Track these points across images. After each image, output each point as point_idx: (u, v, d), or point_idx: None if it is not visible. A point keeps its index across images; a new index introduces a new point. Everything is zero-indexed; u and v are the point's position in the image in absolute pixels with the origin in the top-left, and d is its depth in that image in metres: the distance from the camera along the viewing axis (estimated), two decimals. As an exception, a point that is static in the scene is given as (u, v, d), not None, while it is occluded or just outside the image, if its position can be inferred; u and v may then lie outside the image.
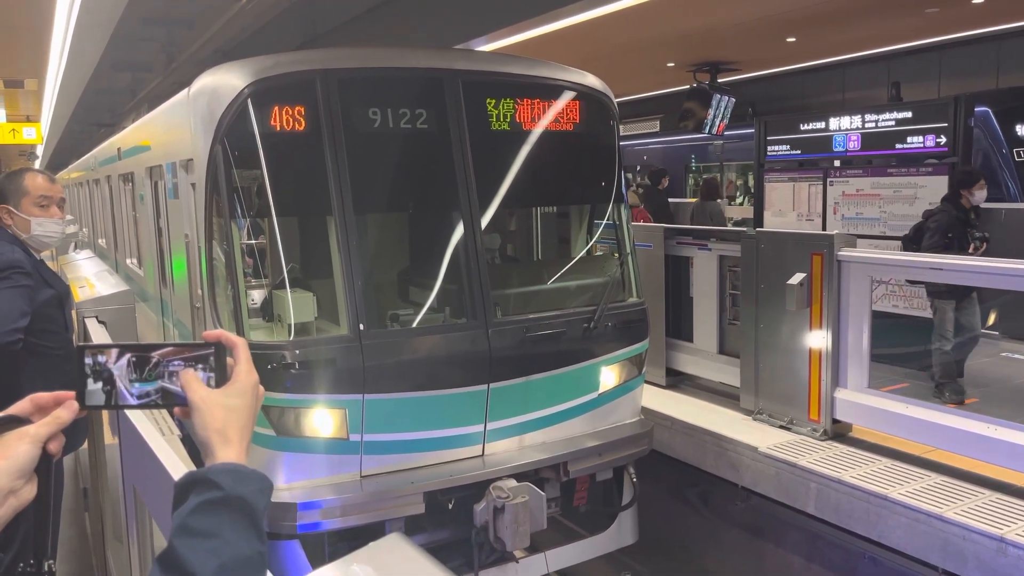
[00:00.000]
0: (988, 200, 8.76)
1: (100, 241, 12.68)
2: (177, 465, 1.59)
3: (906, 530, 4.64)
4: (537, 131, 5.22)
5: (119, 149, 9.45)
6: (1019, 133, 10.66)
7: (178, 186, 5.74)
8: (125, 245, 9.70)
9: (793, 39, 13.06)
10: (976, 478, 4.88)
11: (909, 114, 7.57)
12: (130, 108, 18.07)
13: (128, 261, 9.44)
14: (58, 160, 34.95)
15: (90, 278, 6.71)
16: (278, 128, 4.53)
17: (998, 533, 4.21)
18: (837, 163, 8.33)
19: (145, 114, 9.69)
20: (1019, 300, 7.99)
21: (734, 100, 14.39)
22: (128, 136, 9.06)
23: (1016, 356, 7.82)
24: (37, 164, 30.73)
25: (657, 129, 19.61)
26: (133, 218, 8.78)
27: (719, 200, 12.14)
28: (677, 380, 7.19)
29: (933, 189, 7.16)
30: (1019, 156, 10.55)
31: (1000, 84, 13.66)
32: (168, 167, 6.11)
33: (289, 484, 4.50)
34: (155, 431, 1.84)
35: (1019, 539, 4.12)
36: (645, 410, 5.80)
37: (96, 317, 3.96)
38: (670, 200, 12.88)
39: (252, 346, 4.37)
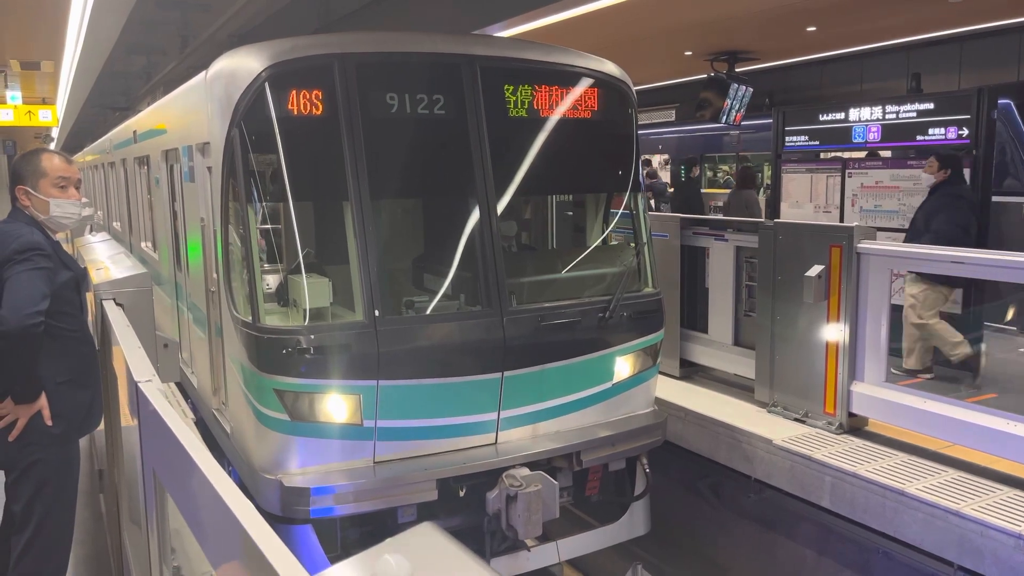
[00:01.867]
0: (1009, 195, 8.68)
1: (115, 224, 12.73)
2: (199, 448, 1.58)
3: (922, 525, 4.60)
4: (555, 118, 5.18)
5: (135, 132, 9.46)
6: (1041, 126, 10.51)
7: (194, 169, 5.74)
8: (140, 228, 9.73)
9: (813, 28, 12.91)
10: (994, 474, 4.83)
11: (931, 105, 7.46)
12: (144, 92, 18.11)
13: (143, 244, 9.47)
14: (73, 143, 35.08)
15: (104, 261, 6.73)
16: (295, 112, 4.51)
17: (1016, 530, 4.17)
18: (859, 155, 8.25)
19: (160, 98, 9.69)
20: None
21: (751, 90, 14.27)
22: (144, 119, 9.06)
23: (1035, 352, 7.74)
24: (52, 147, 30.84)
25: (673, 118, 19.49)
26: (148, 201, 8.80)
27: (754, 189, 12.10)
28: (691, 371, 7.15)
29: (954, 182, 7.07)
30: (1040, 149, 10.41)
31: (1022, 77, 13.48)
32: (184, 150, 6.10)
33: (303, 468, 4.51)
34: (176, 413, 1.83)
35: (1038, 537, 4.08)
36: (659, 401, 5.78)
37: (114, 299, 3.95)
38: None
39: (267, 330, 4.40)
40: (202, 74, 5.23)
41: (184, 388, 6.88)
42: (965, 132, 7.09)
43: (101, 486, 5.25)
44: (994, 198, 8.08)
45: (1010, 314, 8.29)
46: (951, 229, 6.40)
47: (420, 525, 4.05)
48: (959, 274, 6.32)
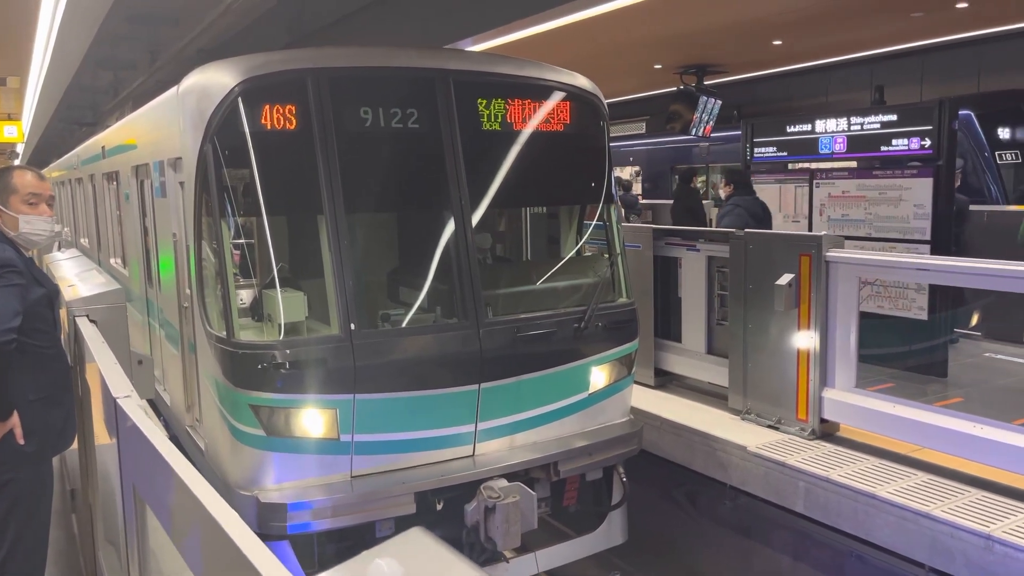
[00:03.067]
0: (971, 203, 8.88)
1: (82, 241, 12.57)
2: (182, 462, 1.58)
3: (894, 528, 4.68)
4: (528, 131, 5.23)
5: (103, 147, 9.37)
6: (1000, 136, 10.80)
7: (166, 185, 5.70)
8: (109, 244, 9.62)
9: (779, 42, 13.16)
10: (963, 476, 4.93)
11: (894, 117, 7.62)
12: (112, 107, 17.94)
13: (112, 261, 9.36)
14: (38, 159, 34.58)
15: (72, 278, 6.65)
16: (269, 127, 4.50)
17: (985, 530, 4.25)
18: (826, 165, 8.41)
19: (129, 113, 9.61)
20: (1001, 302, 8.10)
21: (720, 102, 14.49)
22: (113, 134, 8.98)
23: (999, 356, 7.91)
24: (17, 163, 30.38)
25: (644, 131, 19.69)
26: (117, 217, 8.71)
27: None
28: (666, 380, 7.21)
29: (918, 191, 7.23)
30: (1001, 159, 10.69)
31: (981, 88, 13.83)
32: (155, 165, 6.06)
33: (279, 484, 4.48)
34: (157, 428, 1.82)
35: (1006, 536, 4.17)
36: (634, 410, 5.82)
37: (87, 316, 3.92)
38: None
39: (242, 345, 4.37)
40: (174, 89, 5.21)
41: (156, 406, 6.80)
42: (927, 142, 7.26)
43: (73, 506, 5.17)
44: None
45: (975, 319, 8.48)
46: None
47: (410, 530, 4.05)
48: (923, 280, 6.46)
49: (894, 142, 7.60)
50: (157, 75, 13.24)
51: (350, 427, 4.52)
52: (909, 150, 7.45)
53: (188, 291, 5.12)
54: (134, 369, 4.01)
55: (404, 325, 4.81)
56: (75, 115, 21.79)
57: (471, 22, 9.38)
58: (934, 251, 7.01)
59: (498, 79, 5.22)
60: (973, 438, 4.80)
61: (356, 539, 4.69)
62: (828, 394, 5.65)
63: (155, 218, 6.35)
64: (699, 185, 12.40)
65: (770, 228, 8.13)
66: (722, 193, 8.38)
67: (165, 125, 5.58)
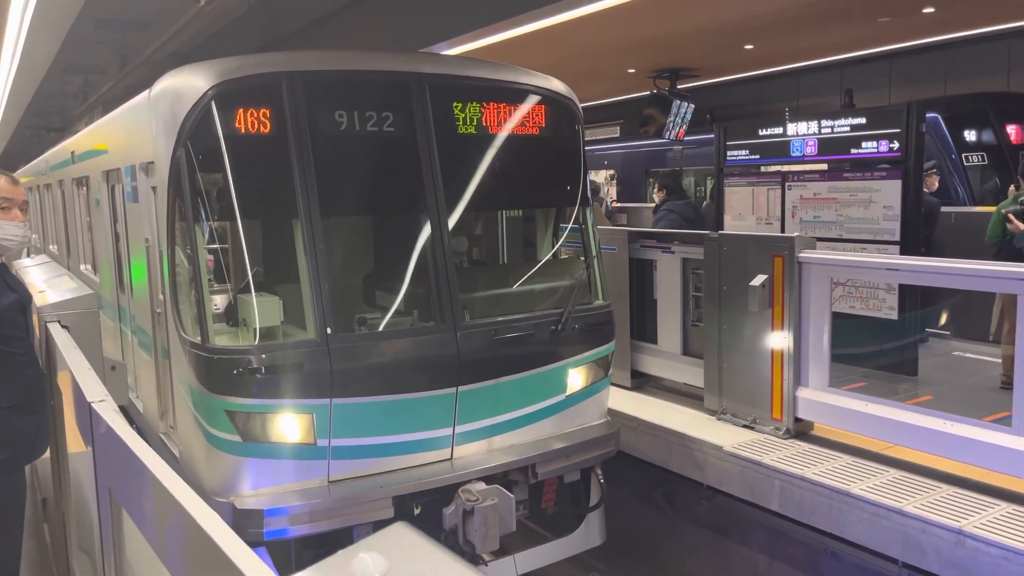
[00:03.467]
0: (943, 205, 9.04)
1: (52, 247, 12.39)
2: (160, 465, 1.57)
3: (867, 525, 4.74)
4: (503, 135, 5.25)
5: (73, 153, 9.26)
6: (967, 139, 11.00)
7: (138, 189, 5.64)
8: (79, 251, 9.49)
9: (751, 46, 13.31)
10: (934, 473, 5.01)
11: (863, 120, 7.74)
12: (81, 112, 17.72)
13: (82, 267, 9.24)
14: (6, 165, 33.99)
15: (41, 284, 6.54)
16: (243, 131, 4.48)
17: (956, 526, 4.33)
18: (798, 168, 8.51)
19: (98, 118, 9.50)
20: (968, 301, 8.25)
21: (693, 106, 14.61)
22: (83, 139, 8.87)
23: (967, 355, 8.05)
24: (-16, 169, 29.82)
25: (618, 134, 19.80)
26: (88, 223, 8.60)
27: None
28: (642, 382, 7.26)
29: (887, 193, 7.34)
30: (967, 161, 10.89)
31: (948, 91, 14.08)
32: (127, 170, 6.00)
33: (256, 490, 4.45)
34: (132, 431, 1.81)
35: (976, 531, 4.25)
36: (611, 411, 5.85)
37: (59, 321, 3.87)
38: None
39: (217, 351, 4.34)
40: (145, 92, 5.17)
41: (129, 413, 6.72)
42: (896, 145, 7.37)
43: (46, 515, 5.09)
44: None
45: (944, 319, 8.62)
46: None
47: (394, 525, 4.04)
48: (893, 280, 6.56)
49: (863, 145, 7.71)
50: (127, 79, 13.11)
51: (327, 432, 4.50)
52: (878, 152, 7.56)
53: (161, 297, 5.07)
54: (107, 375, 3.96)
55: (381, 329, 4.80)
56: (43, 121, 21.49)
57: (446, 26, 9.39)
58: (903, 251, 7.12)
59: (473, 83, 5.23)
60: (943, 435, 4.88)
61: (334, 544, 4.67)
62: (802, 393, 5.72)
63: (127, 223, 6.28)
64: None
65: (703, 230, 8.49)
66: (656, 198, 8.94)
67: (137, 129, 5.53)
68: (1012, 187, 8.09)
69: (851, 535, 4.86)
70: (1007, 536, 4.17)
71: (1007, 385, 5.72)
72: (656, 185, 9.30)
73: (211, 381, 4.37)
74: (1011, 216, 5.96)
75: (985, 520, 4.36)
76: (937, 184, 9.06)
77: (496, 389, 4.97)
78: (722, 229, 8.49)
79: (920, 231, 7.69)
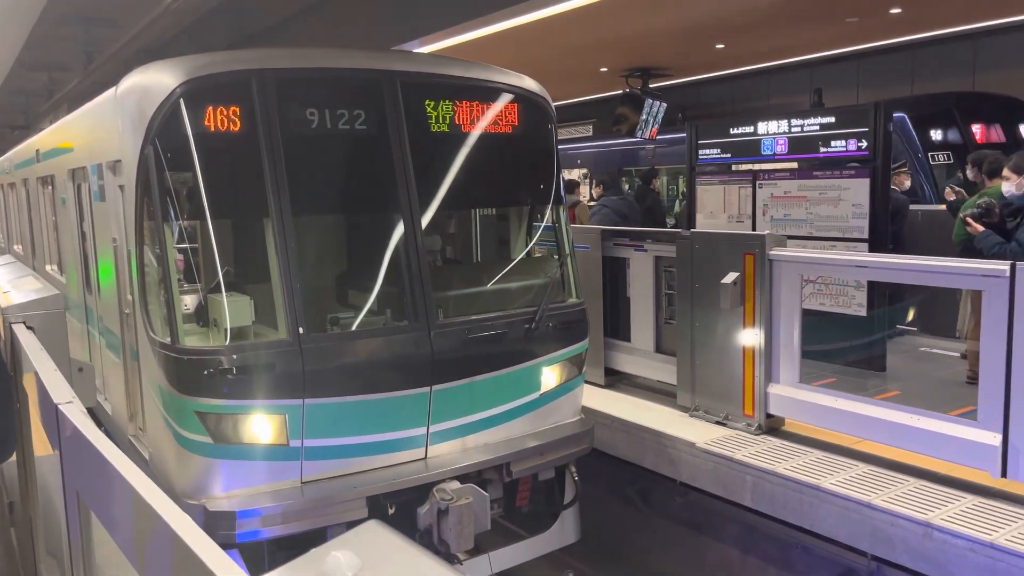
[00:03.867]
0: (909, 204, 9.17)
1: (16, 247, 12.16)
2: (128, 466, 1.55)
3: (837, 518, 4.81)
4: (476, 133, 5.24)
5: (38, 151, 9.10)
6: (933, 138, 11.17)
7: (104, 188, 5.56)
8: (44, 251, 9.33)
9: (722, 46, 13.42)
10: (902, 466, 5.09)
11: (832, 119, 7.83)
12: (46, 109, 17.42)
13: (48, 267, 9.08)
14: (-32, 164, 33.31)
15: (6, 285, 6.44)
16: (212, 129, 4.43)
17: (924, 518, 4.40)
18: (769, 166, 8.59)
19: (63, 115, 9.34)
20: (935, 298, 8.39)
21: (665, 105, 14.69)
22: (48, 137, 8.72)
23: (934, 351, 8.18)
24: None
25: (590, 133, 19.86)
26: (53, 223, 8.45)
27: None
28: (616, 379, 7.29)
29: (856, 191, 7.44)
30: (933, 160, 11.06)
31: (915, 91, 14.30)
32: (93, 169, 5.91)
33: (228, 492, 4.40)
34: (100, 433, 1.78)
35: (944, 523, 4.32)
36: (585, 409, 5.87)
37: (24, 322, 3.79)
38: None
39: (187, 351, 4.29)
40: (112, 90, 5.09)
41: (97, 415, 6.61)
42: (864, 144, 7.47)
43: (12, 519, 5.00)
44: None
45: (911, 315, 8.75)
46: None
47: (367, 523, 4.02)
48: (862, 277, 6.65)
49: (832, 143, 7.80)
50: (93, 76, 12.90)
51: (300, 432, 4.47)
52: (847, 151, 7.65)
53: (130, 297, 5.00)
54: (74, 376, 3.89)
55: (353, 328, 4.78)
56: (6, 119, 21.08)
57: (418, 24, 9.36)
58: (872, 249, 7.22)
59: (446, 81, 5.22)
60: (911, 429, 4.96)
61: (308, 545, 4.63)
62: (773, 390, 5.78)
63: (93, 223, 6.19)
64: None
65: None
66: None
67: (103, 127, 5.44)
68: (961, 174, 8.36)
69: (822, 529, 4.93)
70: (973, 528, 4.25)
71: (973, 380, 5.82)
72: (596, 181, 9.80)
73: (181, 382, 4.32)
74: (969, 220, 6.05)
75: (952, 512, 4.44)
76: (909, 182, 9.18)
77: (470, 388, 4.96)
78: (694, 227, 8.55)
79: (888, 229, 7.81)
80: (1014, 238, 5.70)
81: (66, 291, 7.64)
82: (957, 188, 8.30)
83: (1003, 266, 4.50)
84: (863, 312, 7.26)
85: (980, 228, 5.91)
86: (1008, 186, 6.02)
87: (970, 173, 8.57)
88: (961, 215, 6.21)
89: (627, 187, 13.83)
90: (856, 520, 4.71)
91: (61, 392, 2.25)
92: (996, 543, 4.09)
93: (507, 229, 6.23)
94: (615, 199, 9.44)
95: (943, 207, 8.93)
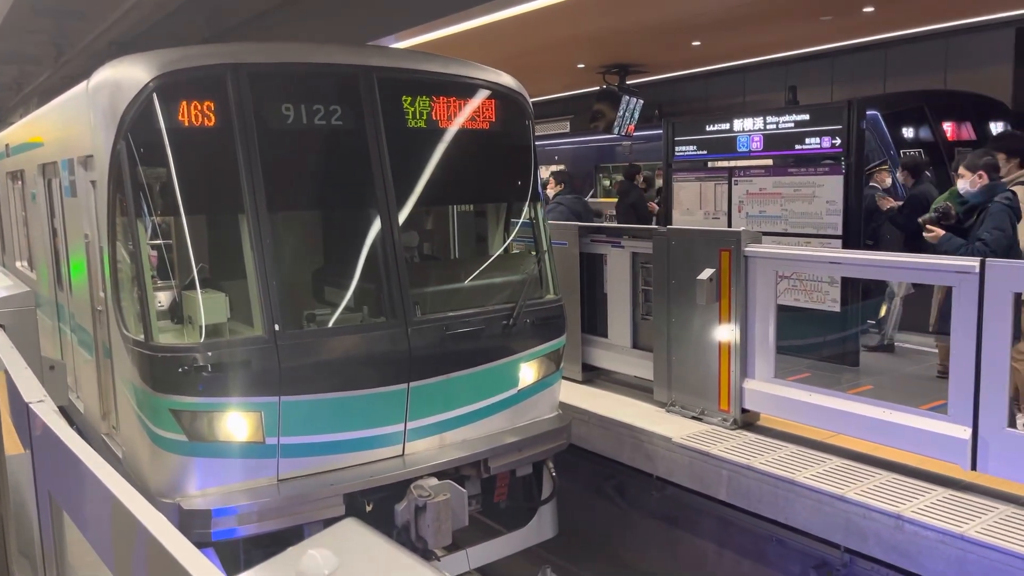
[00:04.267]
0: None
1: (-14, 243, 11.96)
2: (101, 465, 1.53)
3: (811, 511, 4.86)
4: (453, 129, 5.23)
5: (7, 145, 8.95)
6: (905, 136, 11.32)
7: (76, 184, 5.49)
8: (14, 247, 9.19)
9: (698, 43, 13.49)
10: (874, 460, 5.15)
11: (807, 116, 7.91)
12: (16, 103, 17.14)
13: (18, 264, 8.95)
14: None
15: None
16: (186, 124, 4.38)
17: (895, 511, 4.46)
18: (745, 163, 8.66)
19: (33, 109, 9.20)
20: (909, 294, 8.50)
21: (642, 102, 14.75)
22: (17, 132, 8.58)
23: (906, 345, 8.30)
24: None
25: (568, 130, 19.90)
26: (23, 218, 8.33)
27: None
28: (593, 375, 7.31)
29: (830, 188, 7.52)
30: (905, 156, 11.19)
31: (887, 89, 14.48)
32: (64, 164, 5.83)
33: (203, 490, 4.37)
34: (72, 432, 1.76)
35: (915, 516, 4.38)
36: (563, 405, 5.88)
37: (-7, 320, 3.74)
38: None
39: (162, 349, 4.24)
40: (84, 84, 5.02)
41: (69, 413, 6.53)
42: (838, 141, 7.55)
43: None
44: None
45: (883, 311, 8.86)
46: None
47: (343, 521, 4.01)
48: (836, 273, 6.73)
49: (807, 140, 7.88)
50: (64, 70, 12.72)
51: (276, 430, 4.44)
52: (821, 148, 7.74)
53: (102, 294, 4.94)
54: (45, 375, 3.84)
55: (330, 325, 4.75)
56: (-25, 112, 20.69)
57: (395, 19, 9.32)
58: (845, 245, 7.30)
59: (423, 76, 5.20)
60: (883, 423, 5.03)
61: (284, 544, 4.61)
62: (748, 385, 5.83)
63: (65, 218, 6.10)
64: (640, 182, 12.63)
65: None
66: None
67: (75, 121, 5.36)
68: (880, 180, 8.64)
69: (796, 522, 4.98)
70: (943, 520, 4.32)
71: (943, 374, 5.91)
72: (552, 179, 9.90)
73: (155, 380, 4.28)
74: (929, 226, 6.12)
75: (922, 505, 4.51)
76: (889, 180, 9.28)
77: (448, 384, 4.96)
78: (670, 224, 8.60)
79: (865, 225, 7.96)
80: (976, 237, 5.78)
81: (37, 288, 7.53)
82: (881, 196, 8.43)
83: (973, 262, 4.57)
84: (837, 308, 7.35)
85: (941, 232, 5.99)
86: (963, 183, 6.10)
87: (900, 176, 8.84)
88: (920, 220, 6.28)
89: (607, 183, 13.85)
90: (829, 513, 4.76)
91: (32, 390, 2.22)
92: (966, 535, 4.16)
93: (485, 225, 6.22)
94: (570, 197, 9.63)
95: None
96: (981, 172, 6.03)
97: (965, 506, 4.48)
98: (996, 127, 11.68)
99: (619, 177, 13.98)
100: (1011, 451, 4.48)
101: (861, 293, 7.66)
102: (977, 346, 4.54)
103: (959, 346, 4.66)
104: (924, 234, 6.05)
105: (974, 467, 4.63)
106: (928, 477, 4.87)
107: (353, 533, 3.49)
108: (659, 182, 12.57)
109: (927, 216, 6.24)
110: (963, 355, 4.63)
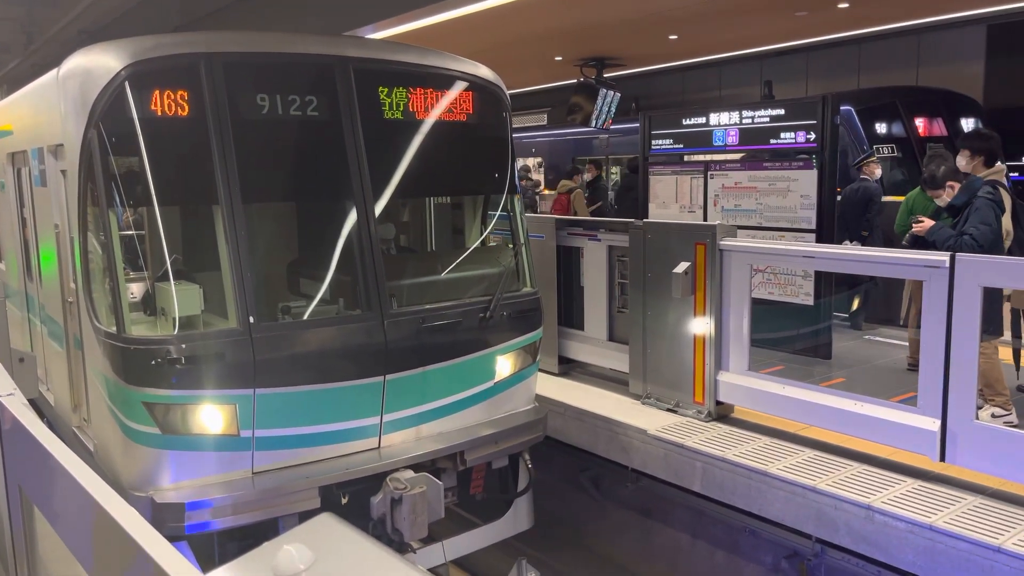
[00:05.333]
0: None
1: (-47, 233, 11.73)
2: (72, 459, 1.51)
3: (784, 503, 4.92)
4: (430, 120, 5.21)
5: (-25, 134, 8.77)
6: (878, 131, 11.44)
7: (46, 173, 5.40)
8: (-17, 237, 9.02)
9: (675, 37, 13.54)
10: (846, 451, 5.23)
11: (782, 111, 7.97)
12: (-16, 90, 16.78)
13: (-13, 255, 8.79)
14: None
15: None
16: (159, 113, 4.32)
17: (865, 502, 4.53)
18: (720, 157, 8.70)
19: (2, 97, 9.03)
20: (879, 287, 8.62)
21: (619, 95, 14.77)
22: (-15, 120, 8.41)
23: (876, 339, 8.41)
24: None
25: (545, 122, 19.89)
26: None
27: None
28: (569, 368, 7.34)
29: (805, 182, 7.59)
30: (878, 153, 11.32)
31: (861, 84, 14.62)
32: (34, 153, 5.74)
33: (176, 483, 4.33)
34: (43, 426, 1.73)
35: (885, 506, 4.46)
36: (539, 397, 5.90)
37: (-39, 312, 3.67)
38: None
39: (134, 341, 4.19)
40: (54, 72, 4.93)
41: (39, 406, 6.44)
42: (812, 136, 7.62)
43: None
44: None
45: (855, 304, 8.97)
46: None
47: (319, 516, 3.99)
48: (809, 267, 6.80)
49: (782, 135, 7.94)
50: (34, 57, 12.50)
51: (251, 422, 4.41)
52: (796, 143, 7.80)
53: (73, 285, 4.87)
54: (15, 367, 3.78)
55: (305, 317, 4.72)
56: (-59, 99, 20.28)
57: (372, 10, 9.25)
58: (819, 239, 7.38)
59: (400, 67, 5.17)
60: (854, 415, 5.10)
61: (259, 537, 4.58)
62: (723, 377, 5.89)
63: (34, 208, 6.01)
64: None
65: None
66: (588, 176, 9.72)
67: (44, 110, 5.28)
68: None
69: (769, 513, 5.04)
70: (913, 511, 4.39)
71: (913, 367, 6.01)
72: (591, 165, 9.99)
73: (128, 372, 4.23)
74: (919, 216, 6.20)
75: (892, 496, 4.58)
76: (879, 171, 9.37)
77: (424, 377, 4.95)
78: (647, 217, 8.64)
79: (861, 216, 8.09)
80: (962, 231, 5.87)
81: (6, 279, 7.42)
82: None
83: (943, 257, 4.64)
84: (810, 301, 7.43)
85: (930, 223, 6.07)
86: (942, 200, 6.21)
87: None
88: (908, 219, 6.38)
89: (587, 176, 13.84)
90: (801, 504, 4.83)
91: (1, 383, 2.19)
92: (935, 525, 4.24)
93: (461, 217, 6.21)
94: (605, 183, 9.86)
95: (891, 198, 9.17)
96: (949, 184, 6.15)
97: (934, 497, 4.56)
98: (967, 123, 11.85)
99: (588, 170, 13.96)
100: (978, 443, 4.56)
101: (835, 287, 7.74)
102: (947, 340, 4.61)
103: (928, 339, 4.73)
104: (914, 227, 6.12)
105: (943, 458, 4.71)
106: (898, 468, 4.95)
107: (329, 528, 3.47)
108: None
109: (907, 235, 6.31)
110: (932, 348, 4.70)
